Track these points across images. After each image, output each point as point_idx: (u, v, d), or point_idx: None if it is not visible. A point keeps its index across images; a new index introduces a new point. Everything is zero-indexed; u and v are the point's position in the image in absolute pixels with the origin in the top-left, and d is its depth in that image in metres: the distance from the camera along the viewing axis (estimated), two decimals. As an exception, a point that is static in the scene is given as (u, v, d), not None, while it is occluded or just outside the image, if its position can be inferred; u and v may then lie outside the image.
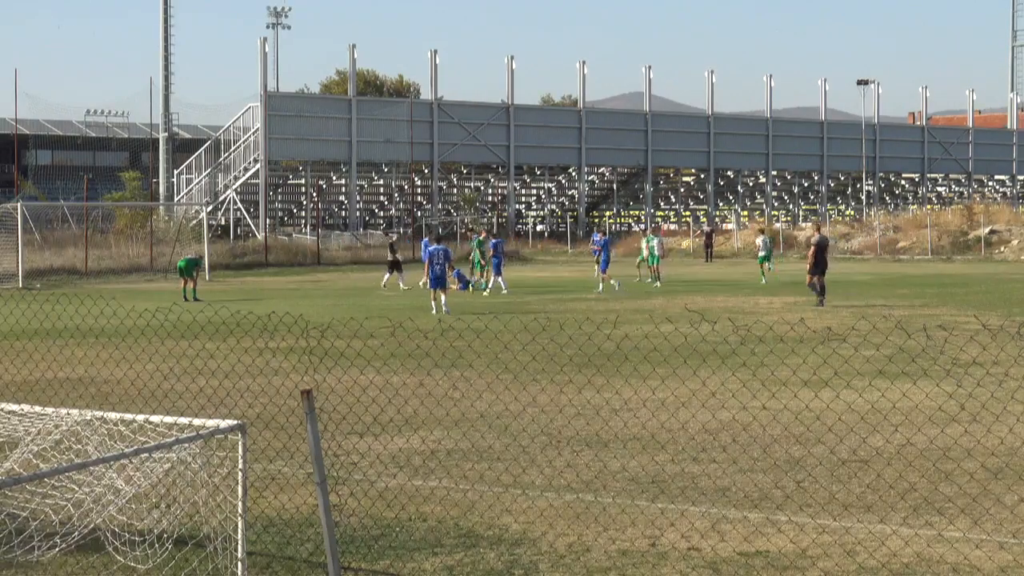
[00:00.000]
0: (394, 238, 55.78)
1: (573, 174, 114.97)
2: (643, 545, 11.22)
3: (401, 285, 48.95)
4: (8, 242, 57.19)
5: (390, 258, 51.06)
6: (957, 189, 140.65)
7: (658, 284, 49.15)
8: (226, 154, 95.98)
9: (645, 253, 52.41)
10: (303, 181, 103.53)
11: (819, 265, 38.61)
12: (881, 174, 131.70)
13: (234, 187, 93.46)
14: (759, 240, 56.42)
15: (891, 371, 20.24)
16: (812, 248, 39.51)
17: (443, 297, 37.58)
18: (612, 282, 47.09)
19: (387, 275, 50.60)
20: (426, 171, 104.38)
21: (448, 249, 40.21)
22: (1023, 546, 11.07)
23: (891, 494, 12.86)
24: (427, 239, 56.01)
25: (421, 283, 45.16)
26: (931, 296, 42.02)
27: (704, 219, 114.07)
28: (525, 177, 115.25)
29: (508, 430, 16.61)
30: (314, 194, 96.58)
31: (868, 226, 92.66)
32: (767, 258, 54.98)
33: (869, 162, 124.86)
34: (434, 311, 36.59)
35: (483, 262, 49.56)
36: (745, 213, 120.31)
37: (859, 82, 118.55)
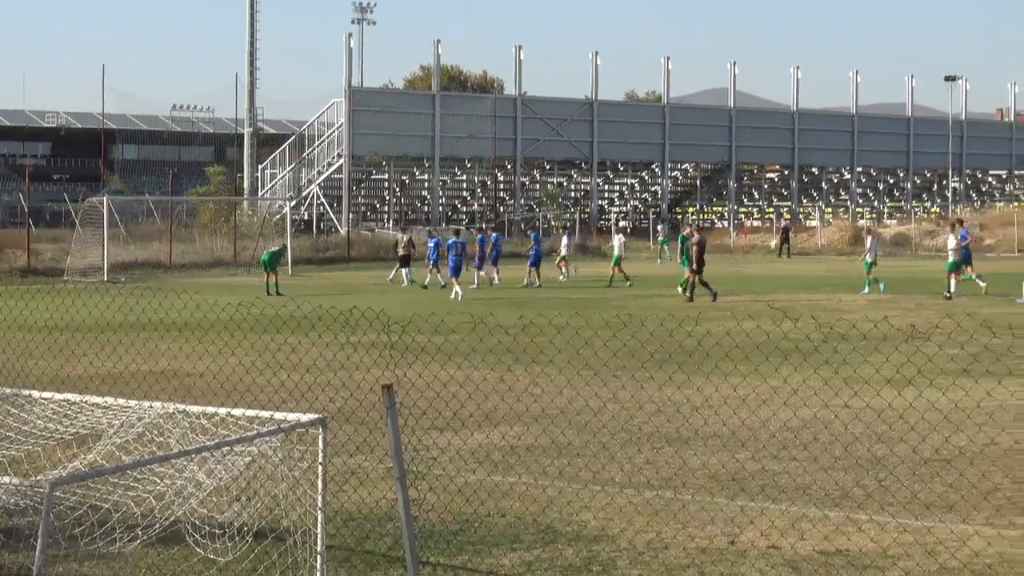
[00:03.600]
0: (408, 235, 54.26)
1: (656, 170, 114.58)
2: (722, 543, 11.18)
3: (405, 281, 49.95)
4: (94, 236, 57.78)
5: (403, 252, 51.15)
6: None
7: (629, 283, 48.92)
8: (310, 149, 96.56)
9: (617, 252, 52.05)
10: (386, 176, 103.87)
11: (701, 264, 40.84)
12: (968, 171, 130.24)
13: (317, 182, 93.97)
14: (615, 239, 56.35)
15: (976, 370, 19.99)
16: (696, 249, 41.32)
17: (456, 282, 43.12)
18: (489, 277, 49.34)
19: (404, 270, 50.64)
20: (509, 167, 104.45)
21: (465, 242, 46.76)
22: (1109, 548, 10.91)
23: (974, 494, 12.72)
24: (496, 234, 55.64)
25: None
26: (1016, 294, 41.45)
27: (787, 215, 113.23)
28: (608, 173, 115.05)
29: (588, 426, 16.60)
30: (397, 189, 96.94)
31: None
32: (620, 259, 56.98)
33: (955, 159, 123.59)
34: (459, 297, 41.14)
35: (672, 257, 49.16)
36: (829, 210, 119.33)
37: (946, 78, 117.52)
